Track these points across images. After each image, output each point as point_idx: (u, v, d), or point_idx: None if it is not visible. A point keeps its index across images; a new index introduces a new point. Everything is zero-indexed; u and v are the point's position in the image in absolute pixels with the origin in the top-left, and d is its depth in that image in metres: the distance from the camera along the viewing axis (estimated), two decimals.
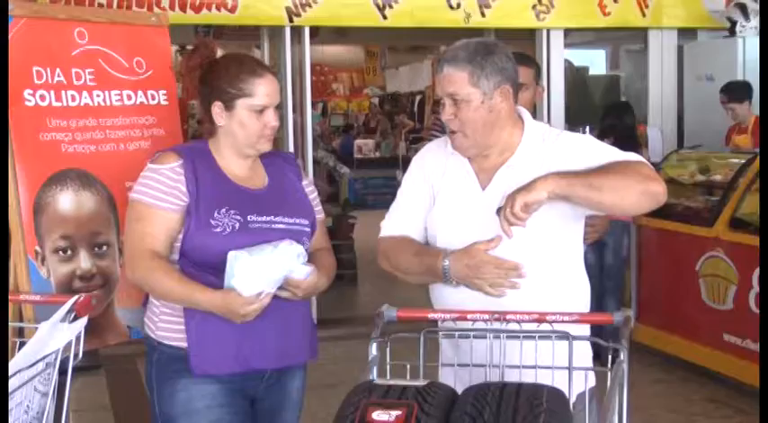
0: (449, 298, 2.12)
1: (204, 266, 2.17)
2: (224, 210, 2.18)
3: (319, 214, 2.41)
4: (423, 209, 2.22)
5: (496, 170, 2.14)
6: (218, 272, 2.13)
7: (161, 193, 2.20)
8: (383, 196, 12.12)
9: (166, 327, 2.26)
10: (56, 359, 2.03)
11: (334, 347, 5.57)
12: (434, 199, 2.21)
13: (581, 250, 2.22)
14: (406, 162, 5.68)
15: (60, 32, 2.82)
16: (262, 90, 2.22)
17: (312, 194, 2.42)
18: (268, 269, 2.11)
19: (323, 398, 3.24)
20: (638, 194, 2.00)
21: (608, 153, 2.09)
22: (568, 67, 7.60)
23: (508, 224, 1.94)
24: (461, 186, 2.17)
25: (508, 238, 1.97)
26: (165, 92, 3.01)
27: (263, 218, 2.21)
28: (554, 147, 2.13)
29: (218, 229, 2.16)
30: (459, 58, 2.08)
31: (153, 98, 2.99)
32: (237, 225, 2.17)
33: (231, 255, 2.09)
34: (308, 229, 2.30)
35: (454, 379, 1.78)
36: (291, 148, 6.21)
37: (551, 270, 2.09)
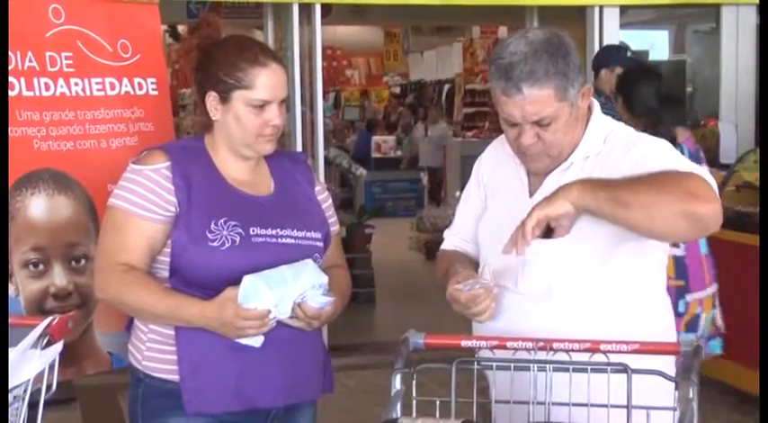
0: (492, 324, 2.11)
1: (199, 287, 2.17)
2: (222, 220, 2.17)
3: (334, 226, 2.42)
4: (476, 218, 2.26)
5: (548, 174, 2.14)
6: (216, 293, 2.13)
7: (142, 200, 2.20)
8: (405, 202, 12.15)
9: (154, 356, 2.26)
10: (25, 391, 2.04)
11: (348, 378, 5.57)
12: (486, 205, 2.23)
13: (656, 268, 2.18)
14: None
15: (32, 10, 2.84)
16: (262, 82, 2.21)
17: (326, 203, 2.42)
18: (284, 296, 2.11)
19: None
20: (673, 216, 1.89)
21: (675, 165, 2.01)
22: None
23: (513, 243, 1.92)
24: (511, 192, 2.19)
25: (514, 254, 1.94)
26: (154, 80, 3.03)
27: (268, 231, 2.21)
28: (614, 152, 2.10)
29: (216, 244, 2.15)
30: (537, 73, 2.00)
31: (140, 87, 3.01)
32: (238, 239, 2.16)
33: (247, 280, 2.08)
34: (320, 244, 2.30)
35: (509, 417, 1.78)
36: (299, 146, 6.23)
37: (609, 294, 2.08)
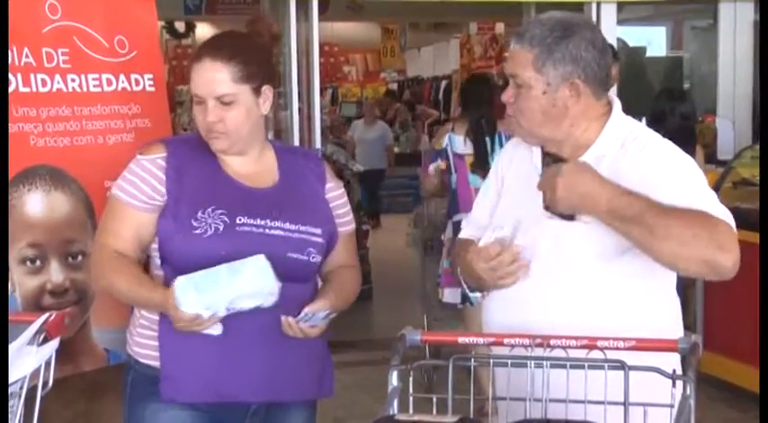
0: (502, 322, 2.12)
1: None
2: (210, 209, 2.19)
3: (346, 226, 2.41)
4: (492, 208, 2.28)
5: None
6: None
7: (134, 189, 2.24)
8: (402, 199, 12.12)
9: (142, 342, 2.29)
10: (22, 388, 2.04)
11: (344, 375, 5.52)
12: (501, 192, 2.27)
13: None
14: None
15: (29, 6, 2.83)
16: (195, 77, 2.23)
17: (338, 201, 2.40)
18: (215, 299, 2.09)
19: None
20: (698, 260, 1.94)
21: (693, 194, 2.01)
22: (622, 47, 7.57)
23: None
24: (527, 182, 2.19)
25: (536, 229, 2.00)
26: (151, 76, 3.02)
27: (257, 221, 2.20)
28: (632, 160, 2.08)
29: (199, 232, 2.16)
30: (528, 35, 2.09)
31: (137, 83, 3.00)
32: (222, 226, 2.17)
33: (177, 282, 2.08)
34: (317, 240, 2.27)
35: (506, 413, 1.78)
36: (297, 142, 6.22)
37: (622, 286, 2.08)
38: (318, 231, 2.27)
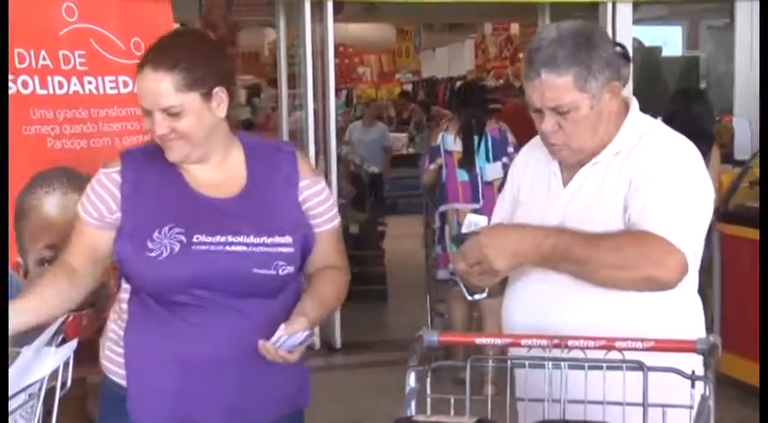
0: (522, 322, 2.12)
1: (148, 295, 2.09)
2: (167, 228, 2.05)
3: (326, 225, 2.21)
4: (506, 216, 2.27)
5: (582, 166, 2.14)
6: (164, 302, 2.06)
7: (90, 205, 2.14)
8: (417, 199, 12.09)
9: (109, 356, 2.21)
10: (40, 389, 2.05)
11: (359, 376, 5.58)
12: (519, 199, 2.25)
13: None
14: None
15: (46, 8, 2.85)
16: (138, 88, 2.07)
17: (316, 198, 2.19)
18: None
19: None
20: (639, 281, 1.99)
21: (652, 203, 2.01)
22: (638, 47, 7.56)
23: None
24: (544, 184, 2.19)
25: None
26: None
27: (216, 238, 2.05)
28: (641, 153, 2.09)
29: (154, 254, 2.03)
30: (558, 59, 2.01)
31: None
32: (177, 247, 2.03)
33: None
34: (287, 250, 2.09)
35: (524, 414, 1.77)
36: (312, 144, 6.24)
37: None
38: (288, 240, 2.10)
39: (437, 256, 5.51)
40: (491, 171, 5.31)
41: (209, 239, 2.04)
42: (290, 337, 1.97)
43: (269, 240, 2.07)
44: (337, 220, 2.27)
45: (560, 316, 2.07)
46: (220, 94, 2.08)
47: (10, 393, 1.93)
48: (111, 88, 2.94)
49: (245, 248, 2.05)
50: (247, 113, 13.09)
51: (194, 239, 2.04)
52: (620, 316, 2.05)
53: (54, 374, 2.04)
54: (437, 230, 5.48)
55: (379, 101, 15.44)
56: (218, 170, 2.14)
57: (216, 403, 2.10)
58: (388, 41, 17.54)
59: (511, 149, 5.25)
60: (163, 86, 2.01)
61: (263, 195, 2.13)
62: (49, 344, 2.05)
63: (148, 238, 2.04)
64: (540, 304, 2.11)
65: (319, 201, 2.20)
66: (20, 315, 2.03)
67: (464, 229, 2.09)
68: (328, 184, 6.18)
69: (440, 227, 5.43)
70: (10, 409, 1.93)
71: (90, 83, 2.91)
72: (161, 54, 2.05)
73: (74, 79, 2.87)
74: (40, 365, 2.04)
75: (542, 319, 2.08)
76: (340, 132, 8.85)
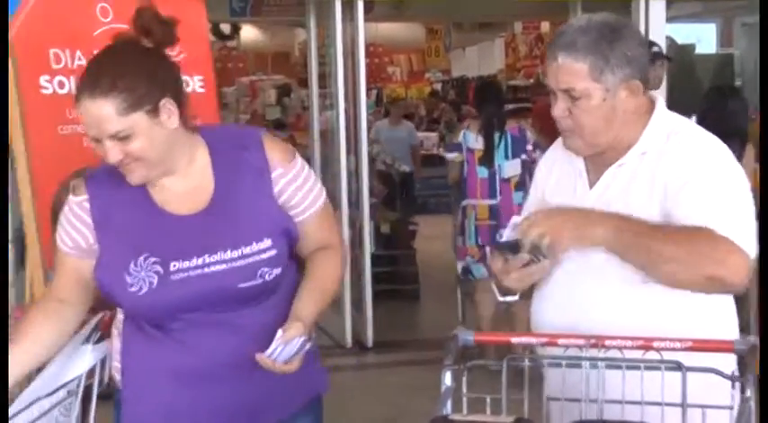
0: (551, 322, 2.10)
1: (140, 320, 2.04)
2: (142, 258, 1.95)
3: (310, 209, 2.10)
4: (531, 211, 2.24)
5: (608, 167, 2.11)
6: (162, 327, 2.00)
7: (66, 236, 2.06)
8: (447, 199, 12.06)
9: (116, 366, 2.12)
10: (78, 386, 2.07)
11: (394, 375, 5.58)
12: (545, 201, 2.21)
13: None
14: None
15: (80, 9, 2.87)
16: (81, 117, 1.94)
17: (291, 186, 2.06)
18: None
19: None
20: (701, 279, 1.92)
21: (703, 206, 1.96)
22: (671, 44, 7.49)
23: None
24: (570, 184, 2.17)
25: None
26: (201, 78, 3.04)
27: (192, 261, 1.95)
28: (670, 155, 2.05)
29: (134, 289, 1.94)
30: (577, 45, 2.01)
31: (187, 85, 3.01)
32: (156, 280, 1.94)
33: None
34: (269, 255, 2.00)
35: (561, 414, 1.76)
36: (343, 143, 6.25)
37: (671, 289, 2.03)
38: (268, 244, 1.99)
39: (457, 248, 5.72)
40: (509, 168, 5.51)
41: (187, 264, 1.95)
42: (286, 346, 1.90)
43: (247, 250, 1.97)
44: (321, 200, 2.13)
45: (590, 316, 2.04)
46: (168, 105, 1.94)
47: (49, 390, 1.95)
48: None
49: (224, 266, 1.95)
50: (277, 113, 13.15)
51: (171, 267, 1.94)
52: (650, 315, 2.02)
53: (91, 372, 2.06)
54: (458, 224, 5.71)
55: (408, 100, 15.44)
56: (186, 177, 2.02)
57: (220, 417, 2.03)
58: (417, 41, 17.52)
59: (530, 147, 5.49)
60: (104, 113, 1.88)
61: (234, 201, 2.01)
62: (86, 341, 2.07)
63: (125, 272, 1.95)
64: (569, 304, 2.09)
65: (296, 187, 2.07)
66: (17, 366, 1.96)
67: (508, 231, 2.05)
68: (359, 183, 6.23)
69: (461, 220, 5.65)
70: (49, 405, 1.95)
71: None
72: (94, 79, 1.89)
73: None
74: (77, 363, 2.06)
75: (572, 320, 2.05)
76: (370, 132, 8.85)
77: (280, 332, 1.90)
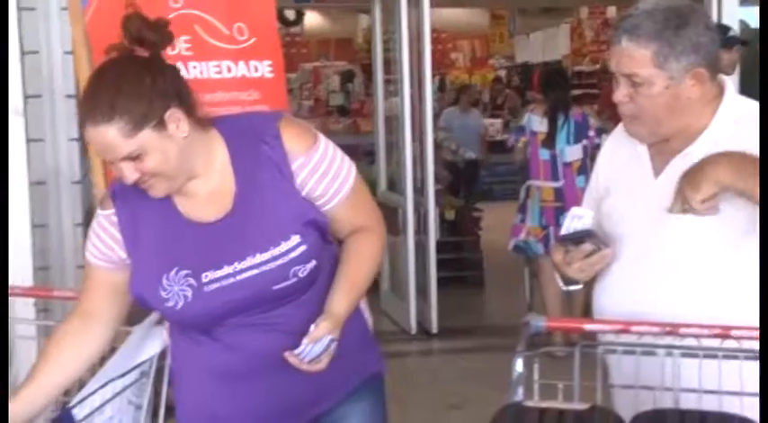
0: (612, 309, 2.06)
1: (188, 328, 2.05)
2: (173, 272, 1.93)
3: (337, 195, 2.01)
4: (593, 200, 2.21)
5: (673, 157, 2.06)
6: (205, 332, 2.00)
7: (96, 250, 2.03)
8: (512, 185, 11.98)
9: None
10: (151, 367, 2.10)
11: (459, 361, 5.57)
12: (607, 188, 2.17)
13: None
14: None
15: None
16: (90, 144, 1.98)
17: (314, 175, 1.99)
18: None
19: (447, 420, 3.24)
20: None
21: None
22: (744, 29, 7.31)
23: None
24: (633, 172, 2.12)
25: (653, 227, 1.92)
26: (269, 62, 3.05)
27: (224, 270, 1.93)
28: (744, 140, 1.97)
29: (171, 304, 1.93)
30: (641, 29, 1.96)
31: (256, 70, 3.04)
32: (190, 293, 1.92)
33: None
34: (300, 251, 1.95)
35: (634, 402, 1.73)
36: (408, 130, 6.23)
37: (740, 278, 1.97)
38: (297, 240, 1.95)
39: (514, 226, 5.88)
40: (571, 152, 5.64)
41: (218, 273, 1.93)
42: (314, 345, 1.90)
43: (276, 251, 1.93)
44: (349, 182, 2.03)
45: (657, 302, 1.99)
46: (174, 114, 1.88)
47: (122, 371, 1.98)
48: (215, 73, 2.98)
49: (255, 271, 1.93)
50: (341, 99, 13.18)
51: (204, 278, 1.92)
52: (718, 301, 1.96)
53: (164, 353, 2.09)
54: (520, 203, 5.87)
55: (473, 85, 15.35)
56: (207, 179, 1.98)
57: (291, 409, 2.04)
58: (481, 27, 17.41)
59: (592, 133, 5.63)
60: (110, 138, 1.83)
61: (257, 201, 1.97)
62: (158, 322, 2.10)
63: (159, 287, 1.94)
64: (634, 290, 2.04)
65: (320, 175, 1.99)
66: (42, 397, 1.97)
67: (568, 222, 2.03)
68: (424, 169, 6.21)
69: (523, 199, 5.82)
70: (122, 386, 1.98)
71: (195, 68, 2.95)
72: (92, 106, 1.85)
73: (179, 64, 2.87)
74: (150, 344, 2.09)
75: (638, 307, 2.00)
76: (436, 118, 8.82)
77: (312, 327, 1.90)
